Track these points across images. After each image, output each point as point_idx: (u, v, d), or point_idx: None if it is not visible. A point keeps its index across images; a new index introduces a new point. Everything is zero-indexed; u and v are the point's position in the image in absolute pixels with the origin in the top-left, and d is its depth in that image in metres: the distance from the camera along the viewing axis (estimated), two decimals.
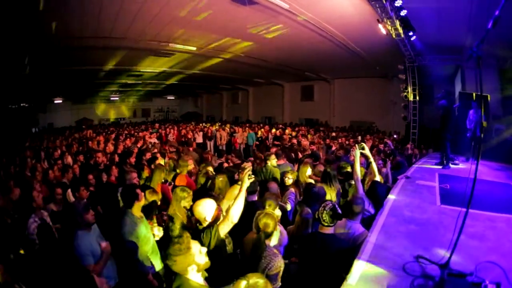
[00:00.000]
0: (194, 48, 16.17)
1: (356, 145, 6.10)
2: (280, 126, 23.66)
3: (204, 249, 2.99)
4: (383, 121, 22.95)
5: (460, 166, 9.66)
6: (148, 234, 4.46)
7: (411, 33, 12.30)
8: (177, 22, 12.45)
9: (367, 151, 6.15)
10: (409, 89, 15.79)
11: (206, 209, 3.73)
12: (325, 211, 3.91)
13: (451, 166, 9.36)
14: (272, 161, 7.54)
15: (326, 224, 3.90)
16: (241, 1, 10.38)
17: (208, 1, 10.56)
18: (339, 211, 4.00)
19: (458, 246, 3.80)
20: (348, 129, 23.44)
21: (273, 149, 9.47)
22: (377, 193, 5.49)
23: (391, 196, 6.28)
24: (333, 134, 18.30)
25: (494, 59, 13.21)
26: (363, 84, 24.01)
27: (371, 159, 6.17)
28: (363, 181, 6.34)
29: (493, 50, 12.47)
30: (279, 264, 3.45)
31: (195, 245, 2.91)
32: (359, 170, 5.55)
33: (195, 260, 2.85)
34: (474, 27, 11.74)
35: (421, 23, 11.87)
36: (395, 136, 18.30)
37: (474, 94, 12.08)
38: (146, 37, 13.92)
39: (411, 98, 15.71)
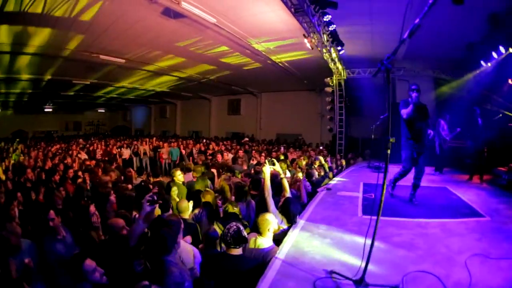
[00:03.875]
0: (123, 61, 15.92)
1: (266, 161, 5.83)
2: (205, 140, 23.36)
3: None
4: (310, 133, 23.51)
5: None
6: None
7: (339, 48, 12.51)
8: (109, 34, 12.23)
9: (277, 167, 6.01)
10: (336, 101, 16.22)
11: None
12: (229, 234, 3.84)
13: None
14: (178, 177, 7.47)
15: (232, 246, 3.82)
16: (168, 14, 10.33)
17: (139, 13, 10.50)
18: (244, 233, 3.91)
19: (383, 258, 3.91)
20: (274, 142, 23.61)
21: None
22: (290, 209, 5.25)
23: (309, 210, 6.20)
24: (256, 148, 18.21)
25: (431, 70, 14.60)
26: (291, 98, 24.66)
27: (282, 175, 5.97)
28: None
29: (430, 63, 14.17)
30: None
31: None
32: (269, 187, 5.28)
33: None
34: (408, 42, 12.52)
35: (355, 37, 12.28)
36: (321, 147, 18.63)
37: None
38: (80, 48, 13.68)
39: (337, 110, 16.16)
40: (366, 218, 5.42)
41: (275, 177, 5.92)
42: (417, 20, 2.89)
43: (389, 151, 3.27)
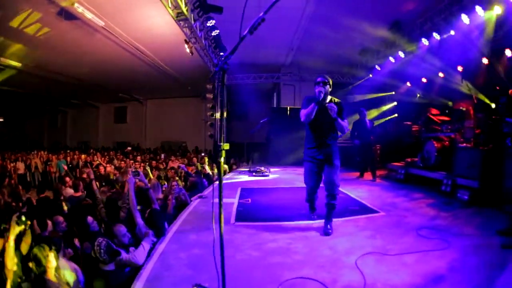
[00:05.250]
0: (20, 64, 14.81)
1: (131, 172, 5.62)
2: (92, 151, 21.50)
3: None
4: (194, 140, 23.07)
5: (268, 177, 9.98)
6: None
7: (222, 53, 12.30)
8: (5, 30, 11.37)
9: (142, 178, 5.75)
10: (217, 107, 15.66)
11: None
12: (100, 250, 3.66)
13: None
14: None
15: (103, 262, 3.68)
16: (63, 14, 10.04)
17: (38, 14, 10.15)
18: (113, 247, 3.78)
19: (255, 267, 3.60)
20: (158, 150, 22.43)
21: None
22: (155, 221, 4.93)
23: (179, 220, 5.72)
24: (138, 158, 17.05)
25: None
26: (176, 104, 24.15)
27: (148, 186, 5.72)
28: None
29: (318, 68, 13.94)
30: None
31: None
32: (133, 198, 5.01)
33: None
34: (297, 46, 12.82)
35: (240, 45, 12.13)
36: (203, 154, 18.09)
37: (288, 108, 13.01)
38: None
39: (217, 116, 15.69)
40: (239, 224, 5.19)
41: (141, 188, 5.73)
42: (261, 14, 2.60)
43: (222, 159, 2.86)
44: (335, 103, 4.55)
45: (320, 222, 4.96)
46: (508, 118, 3.93)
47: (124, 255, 3.88)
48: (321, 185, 4.83)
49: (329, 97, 4.67)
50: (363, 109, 9.69)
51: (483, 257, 3.69)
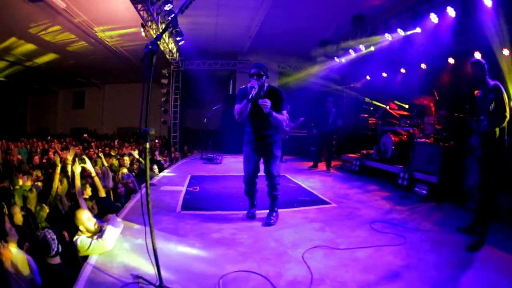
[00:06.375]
0: None
1: (77, 159, 5.47)
2: (49, 138, 20.44)
3: None
4: (150, 126, 22.18)
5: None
6: None
7: (179, 38, 11.96)
8: None
9: (88, 166, 5.79)
10: (171, 93, 15.63)
11: None
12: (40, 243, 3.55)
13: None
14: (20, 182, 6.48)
15: (49, 256, 3.50)
16: None
17: None
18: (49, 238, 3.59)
19: (197, 258, 3.45)
20: (114, 136, 21.64)
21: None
22: (103, 209, 4.96)
23: (126, 209, 5.41)
24: (93, 144, 16.37)
25: (276, 63, 15.09)
26: (132, 89, 23.10)
27: (94, 174, 5.65)
28: None
29: (275, 56, 14.41)
30: None
31: None
32: (79, 186, 4.96)
33: None
34: (255, 34, 12.59)
35: (199, 28, 12.13)
36: (156, 141, 17.64)
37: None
38: None
39: (172, 102, 15.64)
40: (185, 213, 5.01)
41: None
42: None
43: (147, 145, 2.86)
44: (272, 93, 4.16)
45: (263, 213, 4.73)
46: (483, 116, 3.82)
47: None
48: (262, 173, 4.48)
49: (266, 85, 4.22)
50: (330, 98, 9.56)
51: (442, 254, 3.55)
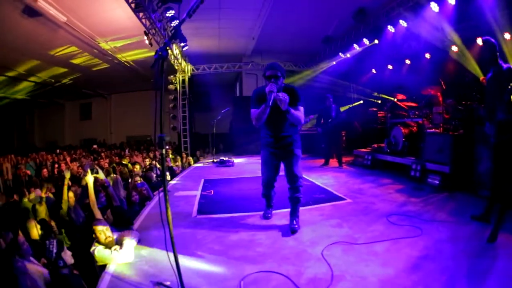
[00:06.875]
0: None
1: (89, 169, 5.35)
2: (58, 151, 20.62)
3: None
4: (163, 133, 22.39)
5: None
6: None
7: (182, 44, 12.06)
8: None
9: (101, 175, 5.72)
10: (179, 99, 15.65)
11: None
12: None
13: None
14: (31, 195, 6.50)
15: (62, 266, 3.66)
16: (27, 12, 9.64)
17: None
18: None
19: (216, 261, 3.40)
20: (124, 145, 21.67)
21: None
22: (119, 218, 4.87)
23: (141, 216, 5.41)
24: (103, 154, 16.49)
25: (281, 63, 14.37)
26: (139, 98, 23.45)
27: (106, 184, 5.66)
28: None
29: (280, 56, 14.51)
30: None
31: None
32: (94, 196, 4.87)
33: None
34: (258, 35, 12.69)
35: (202, 33, 12.17)
36: (167, 147, 17.66)
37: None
38: None
39: (181, 108, 15.67)
40: (201, 218, 4.99)
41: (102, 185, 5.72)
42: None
43: (164, 150, 2.79)
44: (288, 92, 3.90)
45: (280, 213, 4.79)
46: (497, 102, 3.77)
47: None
48: (281, 173, 4.34)
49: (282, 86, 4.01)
50: (329, 95, 9.55)
51: (458, 243, 3.52)
